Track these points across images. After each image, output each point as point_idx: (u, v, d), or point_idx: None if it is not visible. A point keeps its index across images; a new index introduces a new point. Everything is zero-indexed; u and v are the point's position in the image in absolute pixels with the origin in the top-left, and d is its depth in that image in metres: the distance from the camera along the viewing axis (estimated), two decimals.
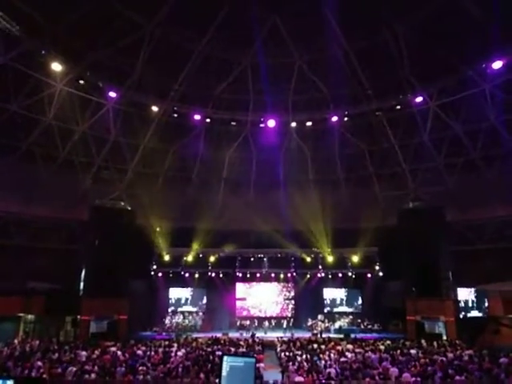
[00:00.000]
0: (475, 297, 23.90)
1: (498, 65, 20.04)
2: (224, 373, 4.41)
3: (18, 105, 21.06)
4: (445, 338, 21.60)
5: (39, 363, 12.99)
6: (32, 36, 18.85)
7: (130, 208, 25.15)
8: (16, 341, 18.71)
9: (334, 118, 25.70)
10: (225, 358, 4.55)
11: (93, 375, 12.08)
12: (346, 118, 25.74)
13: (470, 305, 24.02)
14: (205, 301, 29.07)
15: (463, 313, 23.88)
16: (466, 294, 24.14)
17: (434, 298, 22.80)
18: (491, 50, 19.66)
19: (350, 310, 29.33)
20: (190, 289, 28.98)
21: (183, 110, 25.52)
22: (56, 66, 20.29)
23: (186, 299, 29.02)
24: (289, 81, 25.38)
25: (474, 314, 23.67)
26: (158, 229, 25.78)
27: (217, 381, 4.49)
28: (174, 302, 28.78)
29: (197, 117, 25.55)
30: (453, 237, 24.38)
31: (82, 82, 21.96)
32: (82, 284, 23.19)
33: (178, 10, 20.39)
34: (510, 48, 19.31)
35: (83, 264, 23.40)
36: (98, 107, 23.87)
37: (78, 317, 22.23)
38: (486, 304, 23.08)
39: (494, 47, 19.27)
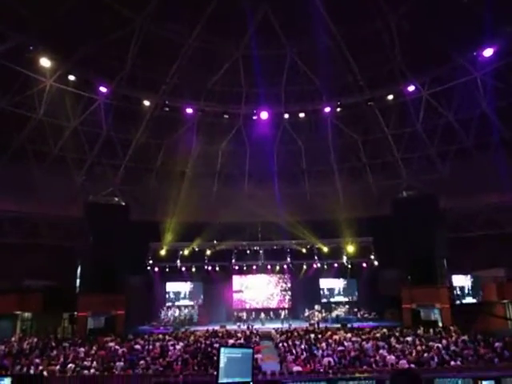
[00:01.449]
0: (471, 283, 24.17)
1: (488, 52, 20.06)
2: (222, 364, 4.45)
3: (6, 102, 20.81)
4: (440, 324, 21.85)
5: (37, 360, 13.02)
6: (19, 31, 18.57)
7: (124, 203, 25.06)
8: (13, 339, 18.70)
9: (327, 109, 25.66)
10: (222, 349, 4.58)
11: (92, 371, 12.14)
12: (338, 109, 25.70)
13: (466, 291, 24.28)
14: (202, 294, 29.16)
15: (458, 299, 24.16)
16: (461, 281, 24.38)
17: (429, 285, 23.06)
18: (482, 38, 19.66)
19: (347, 299, 29.57)
20: (186, 283, 29.04)
21: (175, 104, 25.33)
22: (45, 62, 20.03)
23: (183, 293, 29.10)
24: (281, 72, 25.27)
25: (469, 300, 23.94)
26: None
27: (215, 373, 4.52)
28: (171, 296, 28.85)
29: (189, 110, 25.39)
30: (447, 224, 24.58)
31: (71, 77, 21.71)
32: (78, 280, 23.16)
33: (167, 2, 20.17)
34: (501, 35, 19.34)
35: (79, 260, 23.36)
36: (89, 102, 23.65)
37: (76, 313, 22.24)
38: (480, 290, 23.41)
39: (485, 34, 19.26)
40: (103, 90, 22.95)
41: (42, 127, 22.79)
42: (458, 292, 24.20)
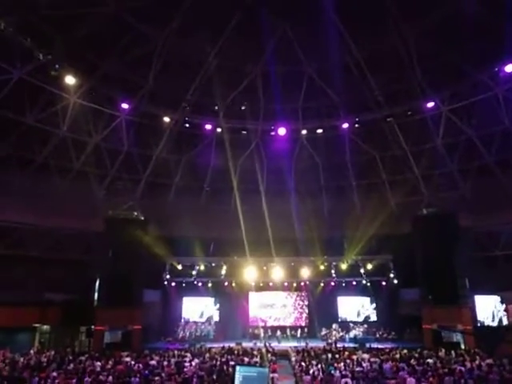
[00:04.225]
0: (495, 305, 23.43)
1: (510, 68, 19.83)
2: (236, 382, 4.40)
3: (33, 118, 21.49)
4: (463, 346, 21.15)
5: (55, 374, 13.09)
6: (46, 50, 19.24)
7: (143, 218, 25.32)
8: (32, 351, 18.89)
9: (345, 125, 25.65)
10: (237, 367, 4.54)
11: None
12: (356, 125, 25.66)
13: (489, 313, 23.53)
14: (218, 310, 29.00)
15: (481, 321, 23.40)
16: (484, 302, 23.67)
17: (451, 305, 22.35)
18: (503, 54, 19.48)
19: (365, 318, 28.95)
20: (203, 298, 28.95)
21: (195, 120, 25.75)
22: (70, 80, 20.67)
23: (200, 309, 28.99)
24: (299, 89, 25.43)
25: (493, 321, 23.17)
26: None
27: None
28: (187, 311, 28.77)
29: (208, 126, 25.75)
30: (468, 243, 23.98)
31: (94, 94, 22.34)
32: (96, 294, 23.35)
33: (188, 21, 20.66)
34: None
35: (97, 274, 23.58)
36: (111, 119, 24.22)
37: (93, 327, 22.37)
38: (505, 312, 22.65)
39: (506, 50, 19.10)
40: (125, 106, 23.52)
41: (65, 142, 23.40)
42: (481, 313, 23.47)
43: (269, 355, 18.50)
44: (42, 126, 22.11)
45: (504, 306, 23.12)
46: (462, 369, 13.86)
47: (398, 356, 17.25)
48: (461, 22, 19.06)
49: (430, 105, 23.60)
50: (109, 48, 21.09)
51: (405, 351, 18.72)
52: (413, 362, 15.49)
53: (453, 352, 18.37)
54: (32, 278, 22.40)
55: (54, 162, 23.68)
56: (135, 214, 25.26)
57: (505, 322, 23.00)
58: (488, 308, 23.72)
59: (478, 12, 18.16)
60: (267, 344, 22.11)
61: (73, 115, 22.69)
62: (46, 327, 22.90)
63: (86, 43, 20.10)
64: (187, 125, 25.71)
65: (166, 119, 24.82)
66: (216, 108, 25.54)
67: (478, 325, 23.09)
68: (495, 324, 23.26)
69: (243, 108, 25.83)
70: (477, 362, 15.29)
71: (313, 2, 19.31)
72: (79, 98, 22.23)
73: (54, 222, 23.28)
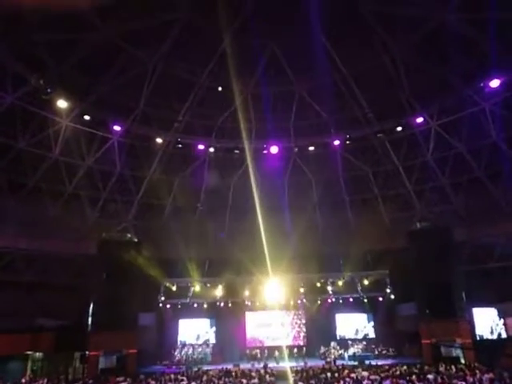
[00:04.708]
0: (493, 319, 23.36)
1: (495, 83, 20.31)
2: None
3: (25, 142, 21.49)
4: (463, 361, 20.94)
5: None
6: (38, 74, 19.37)
7: (136, 240, 25.11)
8: (23, 380, 18.37)
9: (336, 142, 25.95)
10: None
11: None
12: (347, 142, 25.97)
13: (487, 326, 23.43)
14: (214, 332, 28.57)
15: (480, 334, 23.27)
16: (482, 315, 23.59)
17: (448, 319, 22.19)
18: (488, 69, 19.98)
19: (363, 335, 28.66)
20: (199, 319, 28.54)
21: (187, 141, 25.90)
22: (61, 103, 20.78)
23: (196, 331, 28.55)
24: (289, 107, 25.78)
25: (492, 335, 23.06)
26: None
27: None
28: (183, 334, 28.31)
29: (200, 147, 25.91)
30: (463, 256, 24.04)
31: (86, 117, 22.44)
32: (89, 319, 22.92)
33: (179, 43, 21.01)
34: (506, 66, 19.61)
35: (91, 298, 23.20)
36: (103, 141, 24.28)
37: (87, 352, 21.88)
38: (503, 325, 22.58)
39: (491, 66, 19.60)
40: (117, 128, 23.63)
41: (57, 166, 23.35)
42: (480, 326, 23.35)
43: (267, 376, 18.18)
44: (33, 150, 22.10)
45: (502, 320, 23.03)
46: (463, 383, 13.73)
47: (398, 372, 17.02)
48: (446, 37, 19.59)
49: (420, 120, 24.01)
50: (100, 71, 21.32)
51: (404, 367, 18.48)
52: (413, 378, 15.30)
53: (453, 367, 18.19)
54: (23, 304, 21.96)
55: (46, 185, 23.57)
56: (128, 235, 25.05)
57: (504, 335, 22.88)
58: (486, 321, 23.61)
59: (461, 28, 18.69)
60: (264, 365, 21.75)
61: (65, 139, 22.73)
62: (38, 354, 22.32)
63: (78, 67, 20.31)
64: (180, 145, 25.82)
65: (159, 140, 24.94)
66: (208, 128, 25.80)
67: (478, 338, 22.94)
68: (494, 337, 23.12)
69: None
70: (477, 377, 15.15)
71: (301, 23, 19.75)
72: (71, 121, 22.31)
73: (46, 245, 23.04)
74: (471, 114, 22.45)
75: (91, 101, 22.20)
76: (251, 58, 21.98)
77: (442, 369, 17.89)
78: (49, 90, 19.98)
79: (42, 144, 22.39)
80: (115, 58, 20.90)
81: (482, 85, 20.96)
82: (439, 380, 14.86)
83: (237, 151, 26.47)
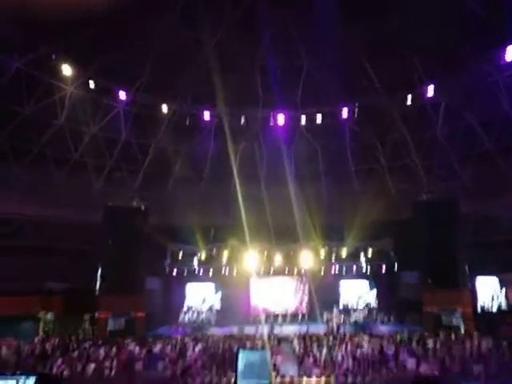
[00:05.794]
0: (495, 288, 23.64)
1: (510, 56, 19.70)
2: (240, 367, 4.48)
3: (30, 108, 21.37)
4: (462, 329, 21.36)
5: (60, 361, 13.26)
6: (43, 40, 19.07)
7: (143, 207, 25.32)
8: (36, 339, 19.06)
9: (345, 111, 25.54)
10: (241, 352, 4.62)
11: (112, 371, 12.30)
12: (356, 111, 25.56)
13: (489, 296, 23.75)
14: (220, 297, 29.21)
15: (482, 304, 23.62)
16: (484, 284, 23.87)
17: (451, 289, 22.49)
18: (504, 40, 19.35)
19: (366, 303, 29.16)
20: (204, 284, 29.14)
21: (193, 110, 25.62)
22: (67, 70, 20.53)
23: (201, 296, 29.20)
24: (298, 76, 25.25)
25: (493, 304, 23.40)
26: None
27: (233, 375, 4.54)
28: (189, 298, 28.98)
29: (206, 115, 25.64)
30: (469, 228, 24.05)
31: (92, 84, 22.18)
32: (98, 283, 23.47)
33: (187, 10, 20.44)
34: None
35: (99, 263, 23.68)
36: (109, 109, 24.10)
37: (96, 314, 22.54)
38: (504, 294, 22.88)
39: (506, 37, 18.97)
40: (122, 96, 23.37)
41: (63, 133, 23.30)
42: (482, 296, 23.68)
43: (271, 340, 18.71)
44: (39, 116, 22.00)
45: (504, 289, 23.30)
46: (462, 351, 14.08)
47: (398, 339, 17.43)
48: (461, 9, 18.88)
49: (430, 92, 23.45)
50: (106, 39, 20.88)
51: (405, 334, 18.91)
52: (413, 344, 15.70)
53: (453, 335, 18.57)
54: (33, 268, 22.48)
55: (51, 152, 23.59)
56: (135, 203, 25.26)
57: (504, 304, 23.19)
58: (488, 290, 23.90)
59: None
60: (269, 329, 22.33)
61: (70, 106, 22.58)
62: (49, 316, 23.04)
63: (83, 34, 19.87)
64: (185, 114, 25.58)
65: (164, 109, 24.69)
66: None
67: (479, 308, 23.28)
68: (495, 307, 23.46)
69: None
70: (476, 343, 15.51)
71: None
72: (76, 88, 22.09)
73: (52, 212, 23.30)
74: (484, 87, 21.89)
75: (97, 68, 21.89)
76: (261, 27, 21.37)
77: (441, 336, 18.28)
78: (54, 57, 19.70)
79: (48, 110, 22.27)
80: (121, 27, 20.39)
81: (496, 57, 20.34)
82: (439, 347, 15.25)
83: (243, 120, 26.19)
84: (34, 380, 4.85)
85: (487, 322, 20.95)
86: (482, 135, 23.61)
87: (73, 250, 24.41)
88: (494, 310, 23.12)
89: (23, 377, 4.69)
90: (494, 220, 24.42)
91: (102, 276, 23.35)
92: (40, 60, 19.66)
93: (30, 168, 22.82)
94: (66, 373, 11.81)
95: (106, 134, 24.85)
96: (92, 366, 12.54)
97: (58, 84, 21.42)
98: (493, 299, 23.54)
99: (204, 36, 22.53)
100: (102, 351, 15.17)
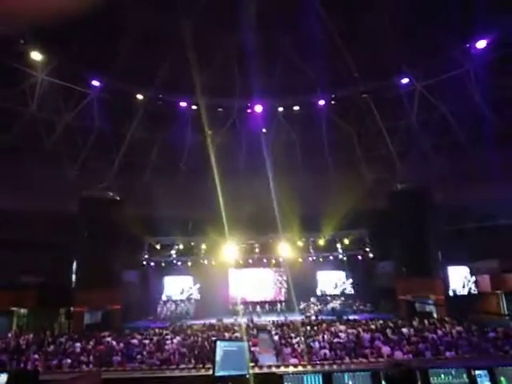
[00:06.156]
0: (465, 275, 24.42)
1: (481, 44, 20.09)
2: (218, 357, 4.47)
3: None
4: (435, 316, 22.04)
5: (35, 356, 13.01)
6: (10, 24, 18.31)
7: (118, 198, 24.93)
8: (9, 335, 18.65)
9: (321, 102, 25.65)
10: (218, 342, 4.60)
11: (90, 366, 12.14)
12: (333, 102, 25.69)
13: (461, 283, 24.52)
14: (198, 288, 29.22)
15: (454, 290, 24.39)
16: (456, 272, 24.62)
17: (424, 277, 23.17)
18: (475, 30, 19.70)
19: (342, 291, 29.74)
20: (182, 277, 29.08)
21: (169, 98, 25.21)
22: (36, 56, 19.83)
23: (180, 287, 29.15)
24: (274, 65, 25.13)
25: (463, 289, 24.21)
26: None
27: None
28: (167, 290, 28.88)
29: (183, 104, 25.28)
30: (441, 217, 24.70)
31: (63, 71, 21.50)
32: (74, 276, 23.08)
33: None
34: (493, 27, 19.36)
35: (74, 256, 23.27)
36: (82, 97, 23.46)
37: (72, 309, 22.20)
38: (475, 281, 23.71)
39: (478, 26, 19.31)
40: (96, 83, 22.78)
41: (35, 122, 22.58)
42: (453, 283, 24.44)
43: (249, 330, 18.85)
44: (9, 106, 21.23)
45: (474, 277, 24.10)
46: (434, 336, 14.51)
47: (373, 327, 17.83)
48: None
49: (405, 81, 23.80)
50: (77, 22, 20.18)
51: (380, 322, 19.36)
52: (388, 331, 16.08)
53: (426, 321, 19.13)
54: (7, 261, 21.89)
55: (23, 142, 22.86)
56: (110, 194, 24.84)
57: (474, 291, 24.02)
58: (459, 278, 24.68)
59: None
60: (248, 319, 22.50)
61: (41, 93, 21.85)
62: (23, 311, 22.57)
63: (53, 18, 19.16)
64: (161, 102, 25.15)
65: (139, 97, 24.22)
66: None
67: (451, 294, 24.04)
68: (465, 293, 24.26)
69: None
70: (447, 329, 16.02)
71: None
72: (47, 75, 21.37)
73: (26, 203, 22.66)
74: (456, 76, 22.33)
75: (68, 54, 21.19)
76: (236, 9, 21.01)
77: (415, 323, 18.80)
78: (22, 42, 18.98)
79: (18, 99, 21.50)
80: (92, 8, 19.76)
81: (467, 45, 20.73)
82: (412, 333, 15.68)
83: (220, 109, 25.96)
84: (5, 377, 4.71)
85: (458, 308, 21.68)
86: (453, 125, 24.12)
87: (47, 242, 23.83)
88: (464, 296, 23.90)
89: None
90: (465, 209, 25.11)
91: (77, 269, 22.97)
92: (7, 45, 18.87)
93: (2, 159, 22.06)
94: (40, 368, 11.57)
95: (80, 122, 24.21)
96: (68, 361, 12.33)
97: (27, 70, 20.66)
98: (463, 286, 24.33)
99: (181, 21, 22.04)
100: (78, 345, 14.94)
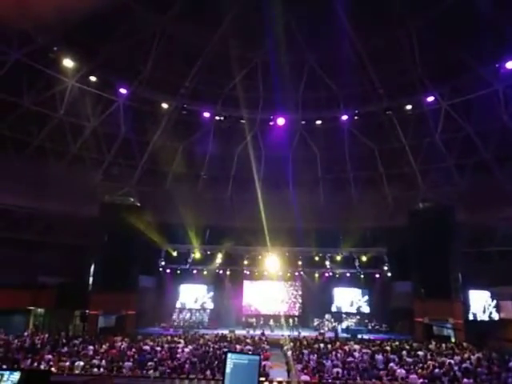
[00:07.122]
0: (486, 300, 23.68)
1: (511, 65, 19.74)
2: (228, 370, 4.42)
3: (30, 100, 21.27)
4: (453, 340, 21.39)
5: (49, 356, 13.17)
6: (45, 32, 18.98)
7: (139, 204, 25.27)
8: (26, 333, 18.96)
9: (344, 117, 25.55)
10: (229, 354, 4.55)
11: (101, 369, 12.20)
12: (356, 117, 25.57)
13: (481, 308, 23.79)
14: (212, 298, 29.17)
15: (474, 314, 23.66)
16: (477, 297, 23.92)
17: (443, 299, 22.54)
18: (505, 50, 19.39)
19: (358, 309, 29.19)
20: (197, 285, 29.10)
21: (193, 108, 25.58)
22: (68, 63, 20.46)
23: (195, 296, 29.16)
24: (299, 79, 25.25)
25: (484, 314, 23.46)
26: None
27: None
28: (182, 298, 28.94)
29: (206, 114, 25.60)
30: (464, 238, 24.11)
31: (93, 78, 22.11)
32: (91, 279, 23.40)
33: (189, 6, 20.39)
34: None
35: (93, 259, 23.62)
36: (109, 103, 24.02)
37: (87, 311, 22.45)
38: (496, 306, 22.95)
39: (508, 47, 19.00)
40: (123, 91, 23.32)
41: (62, 126, 23.21)
42: (474, 308, 23.72)
43: (261, 343, 18.67)
44: (39, 109, 21.90)
45: (495, 301, 23.34)
46: (452, 361, 14.05)
47: (388, 348, 17.42)
48: (464, 15, 18.91)
49: (430, 99, 23.51)
50: (108, 32, 20.81)
51: (396, 343, 18.91)
52: (403, 353, 15.68)
53: (443, 345, 18.58)
54: (26, 261, 22.37)
55: (50, 145, 23.48)
56: (131, 199, 25.21)
57: (495, 317, 23.24)
58: (480, 302, 23.95)
59: (480, 6, 18.02)
60: (260, 332, 22.31)
61: (70, 99, 22.48)
62: (40, 310, 22.98)
63: (86, 26, 19.80)
64: (185, 112, 25.53)
65: (165, 105, 24.66)
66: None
67: (471, 319, 23.31)
68: (486, 319, 23.50)
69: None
70: (466, 356, 15.49)
71: None
72: (77, 81, 22.00)
73: (49, 205, 23.18)
74: (483, 96, 21.93)
75: (98, 62, 21.79)
76: (263, 24, 21.25)
77: (432, 346, 18.29)
78: (55, 49, 19.62)
79: (48, 103, 22.15)
80: (123, 19, 20.36)
81: (497, 66, 20.39)
82: (429, 357, 15.23)
83: (243, 121, 26.16)
84: (18, 375, 4.77)
85: (478, 333, 20.98)
86: (479, 145, 23.63)
87: (67, 244, 24.29)
88: (485, 321, 23.14)
89: (7, 372, 4.62)
90: (489, 231, 24.46)
91: (95, 272, 23.28)
92: (41, 51, 19.53)
93: (29, 161, 22.68)
94: (53, 369, 11.70)
95: (106, 128, 24.75)
96: (81, 363, 12.43)
97: (58, 77, 21.31)
98: (484, 311, 23.58)
99: (206, 33, 22.43)
100: (91, 348, 15.07)
